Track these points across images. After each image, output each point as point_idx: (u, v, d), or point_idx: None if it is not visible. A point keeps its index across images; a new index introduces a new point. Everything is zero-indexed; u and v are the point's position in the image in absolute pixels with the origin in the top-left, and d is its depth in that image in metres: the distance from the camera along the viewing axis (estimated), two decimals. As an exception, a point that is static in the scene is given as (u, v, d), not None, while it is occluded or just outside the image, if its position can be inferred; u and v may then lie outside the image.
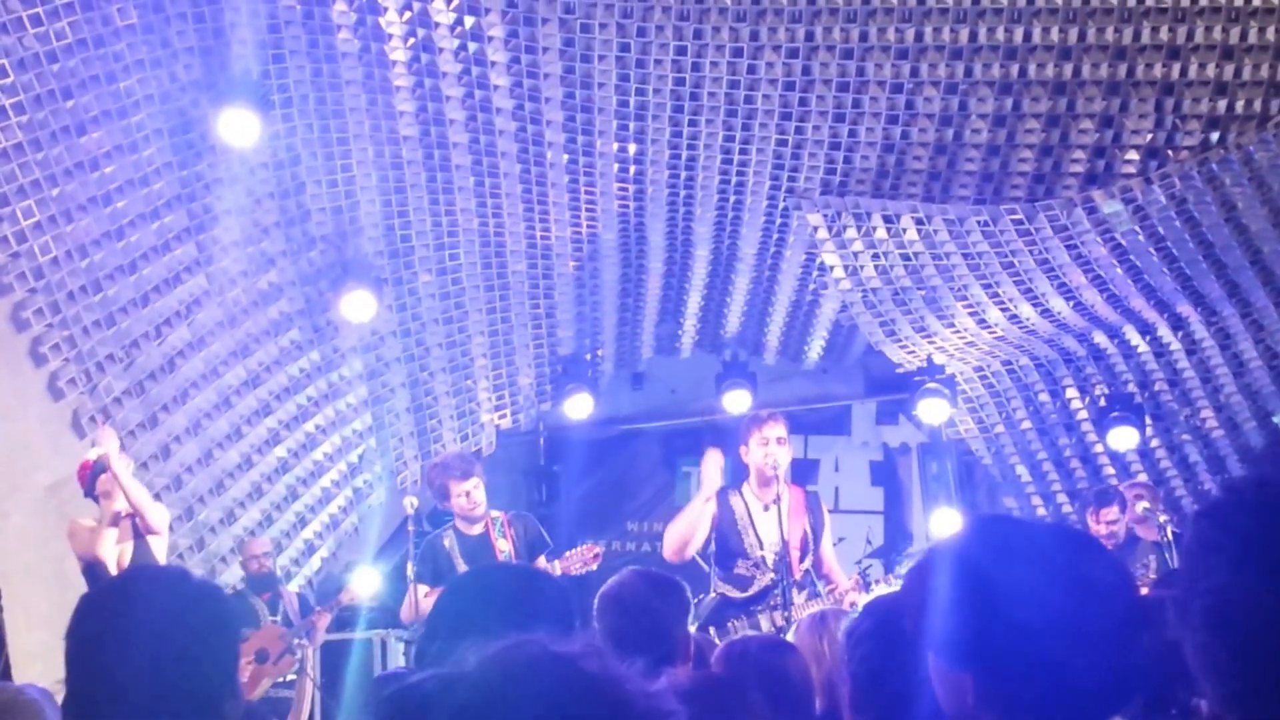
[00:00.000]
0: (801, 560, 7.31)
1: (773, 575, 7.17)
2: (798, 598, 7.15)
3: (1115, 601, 1.88)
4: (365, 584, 8.84)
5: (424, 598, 7.14)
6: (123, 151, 7.80)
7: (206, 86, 7.85)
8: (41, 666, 6.68)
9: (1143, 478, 9.96)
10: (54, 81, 7.30)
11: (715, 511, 7.39)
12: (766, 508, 7.31)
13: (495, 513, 7.62)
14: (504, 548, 7.43)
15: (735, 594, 7.23)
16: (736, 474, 7.80)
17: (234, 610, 2.65)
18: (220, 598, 2.59)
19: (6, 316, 7.78)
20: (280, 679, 8.41)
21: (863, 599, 7.14)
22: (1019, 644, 1.83)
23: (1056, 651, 1.82)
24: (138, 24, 7.45)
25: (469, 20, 7.76)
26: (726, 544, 7.36)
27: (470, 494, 7.41)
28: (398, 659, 8.92)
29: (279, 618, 8.59)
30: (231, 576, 8.68)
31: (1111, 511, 8.24)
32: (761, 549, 7.27)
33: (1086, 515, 8.40)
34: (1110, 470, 10.38)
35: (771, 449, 7.27)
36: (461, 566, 7.23)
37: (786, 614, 7.00)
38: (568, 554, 7.53)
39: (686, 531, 7.39)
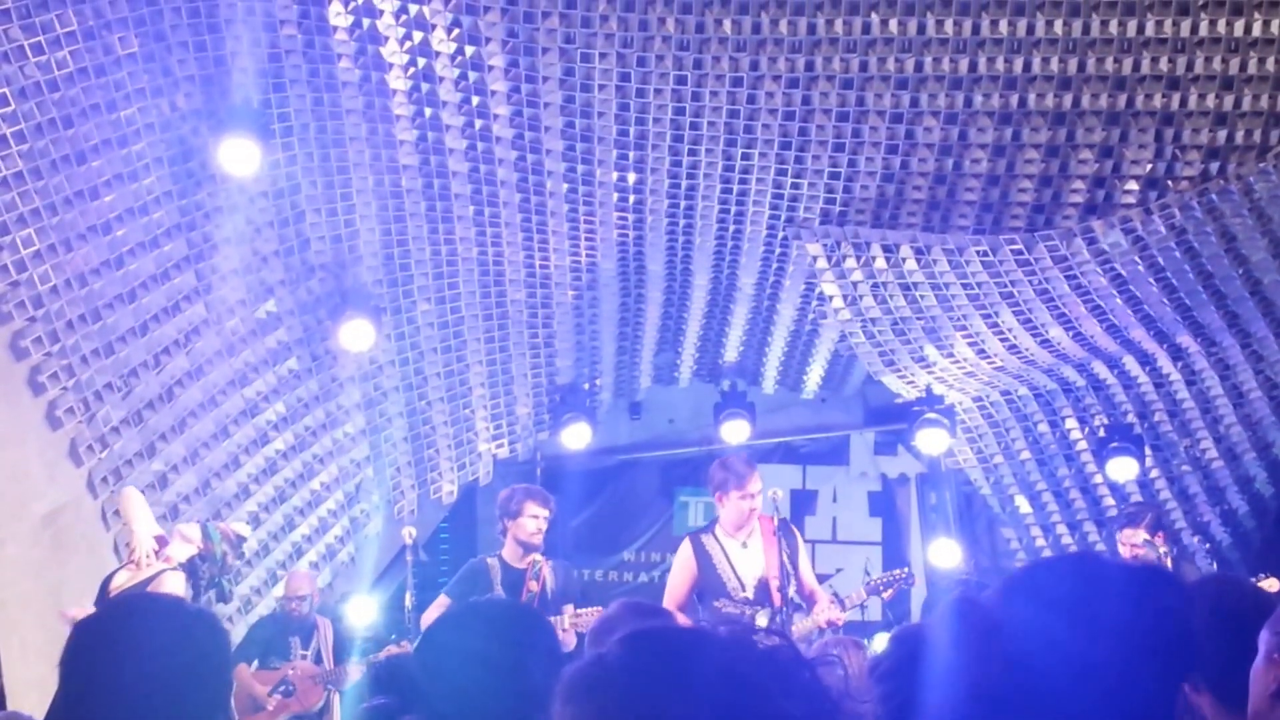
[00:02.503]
0: (784, 587, 7.30)
1: (766, 611, 7.22)
2: (798, 620, 7.27)
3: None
4: (364, 615, 8.84)
5: None
6: (123, 180, 7.79)
7: (207, 115, 7.86)
8: (37, 697, 6.63)
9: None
10: (54, 110, 7.30)
11: (694, 567, 7.47)
12: (744, 544, 7.43)
13: (538, 556, 7.72)
14: (533, 588, 7.55)
15: None
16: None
17: (227, 638, 2.65)
18: (214, 626, 2.60)
19: (5, 345, 7.75)
20: (302, 713, 8.46)
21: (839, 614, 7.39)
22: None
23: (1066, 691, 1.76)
24: (138, 52, 7.46)
25: (469, 50, 7.77)
26: (709, 588, 7.41)
27: (540, 519, 7.62)
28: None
29: (310, 652, 8.57)
30: (229, 607, 8.62)
31: (1137, 533, 7.99)
32: (744, 590, 7.33)
33: (1116, 537, 8.14)
34: (1110, 501, 10.35)
35: (756, 502, 7.43)
36: (500, 594, 7.40)
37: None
38: (581, 611, 7.53)
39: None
